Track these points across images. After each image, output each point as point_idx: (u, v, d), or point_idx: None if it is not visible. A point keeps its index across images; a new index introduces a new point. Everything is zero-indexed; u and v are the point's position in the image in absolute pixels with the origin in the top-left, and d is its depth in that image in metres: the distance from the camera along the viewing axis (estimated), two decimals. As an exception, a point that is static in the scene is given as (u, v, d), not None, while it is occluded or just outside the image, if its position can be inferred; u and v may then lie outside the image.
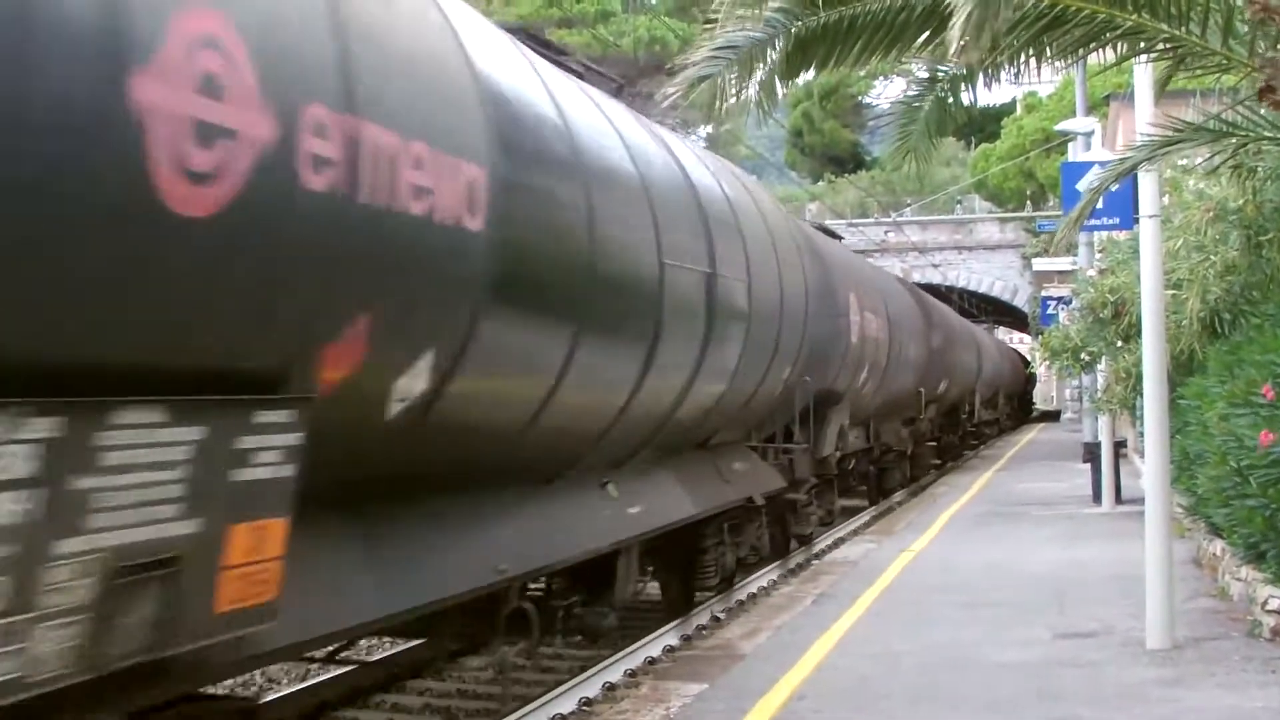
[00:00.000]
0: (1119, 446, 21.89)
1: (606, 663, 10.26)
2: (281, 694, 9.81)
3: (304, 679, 10.55)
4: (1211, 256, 12.51)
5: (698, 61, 8.00)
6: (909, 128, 9.05)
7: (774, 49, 7.87)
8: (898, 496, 25.23)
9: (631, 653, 10.70)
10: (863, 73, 71.77)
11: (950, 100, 8.83)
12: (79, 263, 4.07)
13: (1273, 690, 8.27)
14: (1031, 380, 61.89)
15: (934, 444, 30.02)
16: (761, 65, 7.92)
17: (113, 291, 4.23)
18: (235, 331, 4.86)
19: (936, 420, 29.18)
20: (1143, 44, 8.21)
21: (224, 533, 4.74)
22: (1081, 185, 14.52)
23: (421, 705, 9.90)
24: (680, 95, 7.97)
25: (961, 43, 6.39)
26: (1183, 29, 7.75)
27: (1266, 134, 8.27)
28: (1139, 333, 11.11)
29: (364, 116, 5.30)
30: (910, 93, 9.28)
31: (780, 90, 8.40)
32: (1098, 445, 21.30)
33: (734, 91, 7.92)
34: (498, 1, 46.06)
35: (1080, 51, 8.25)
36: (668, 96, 8.12)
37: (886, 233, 51.27)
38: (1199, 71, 8.44)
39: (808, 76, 8.99)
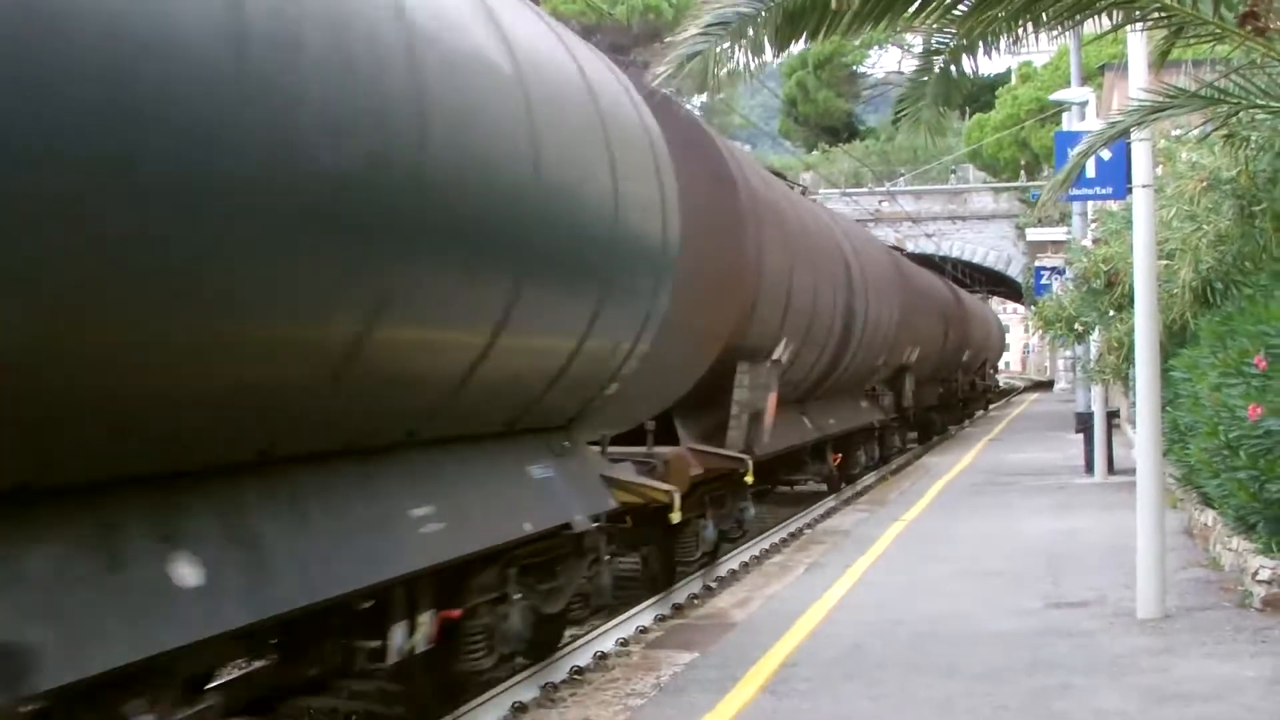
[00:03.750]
0: (1112, 417, 21.91)
1: (597, 631, 10.27)
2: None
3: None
4: (1204, 226, 12.47)
5: (688, 38, 7.93)
6: (917, 104, 8.96)
7: (763, 23, 7.77)
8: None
9: (622, 622, 10.72)
10: (857, 42, 71.60)
11: (953, 70, 8.74)
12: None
13: (1264, 660, 8.30)
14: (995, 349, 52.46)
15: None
16: (751, 37, 7.83)
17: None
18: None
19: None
20: (1136, 13, 8.17)
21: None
22: (1074, 153, 14.48)
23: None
24: (671, 73, 7.89)
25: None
26: (1175, -2, 7.72)
27: (1259, 101, 8.24)
28: (1132, 302, 11.10)
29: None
30: (916, 67, 9.19)
31: (770, 53, 8.26)
32: (1090, 415, 21.31)
33: (723, 65, 7.84)
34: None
35: (1073, 20, 8.20)
36: (658, 76, 8.03)
37: (880, 202, 51.16)
38: (1192, 41, 8.39)
39: (800, 47, 8.85)
